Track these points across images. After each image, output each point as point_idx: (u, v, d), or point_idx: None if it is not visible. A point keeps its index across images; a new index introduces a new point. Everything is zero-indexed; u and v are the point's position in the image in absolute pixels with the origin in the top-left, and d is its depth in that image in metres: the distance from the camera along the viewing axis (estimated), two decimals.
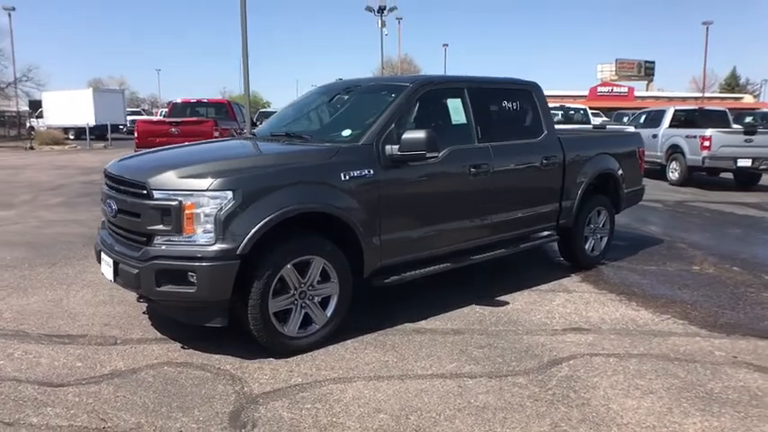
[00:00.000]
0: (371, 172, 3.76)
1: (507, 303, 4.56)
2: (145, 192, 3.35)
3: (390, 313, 4.25)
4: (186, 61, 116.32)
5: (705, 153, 11.60)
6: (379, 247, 3.85)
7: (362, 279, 3.88)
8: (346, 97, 4.75)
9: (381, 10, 31.91)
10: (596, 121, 23.72)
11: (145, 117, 21.93)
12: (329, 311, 3.68)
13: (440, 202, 4.22)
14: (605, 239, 5.84)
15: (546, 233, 5.23)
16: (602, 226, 5.79)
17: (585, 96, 46.58)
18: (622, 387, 3.21)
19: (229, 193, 3.25)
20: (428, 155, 3.83)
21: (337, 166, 3.66)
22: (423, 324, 4.11)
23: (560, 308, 4.51)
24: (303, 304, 3.58)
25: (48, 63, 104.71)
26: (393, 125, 3.93)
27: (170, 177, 3.33)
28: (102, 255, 3.74)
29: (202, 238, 3.24)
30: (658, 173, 13.09)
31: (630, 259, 6.03)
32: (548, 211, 5.13)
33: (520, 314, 4.35)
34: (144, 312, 4.23)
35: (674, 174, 12.50)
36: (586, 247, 5.64)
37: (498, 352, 3.66)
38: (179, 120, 12.62)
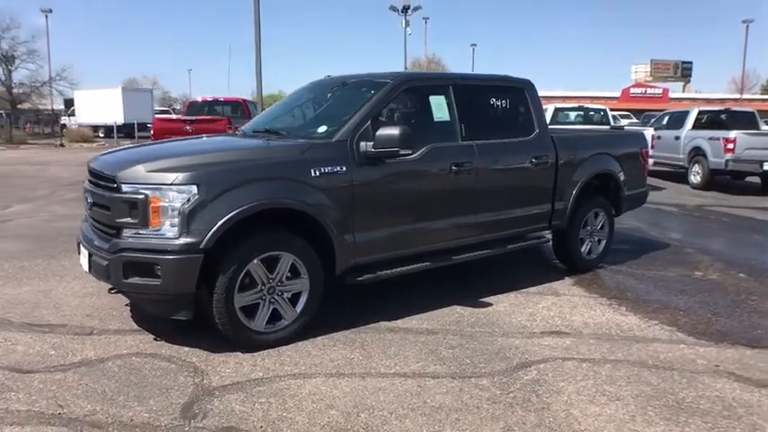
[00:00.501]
0: (344, 169, 3.73)
1: (490, 305, 4.47)
2: (114, 185, 3.40)
3: (366, 311, 4.22)
4: (218, 61, 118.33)
5: (728, 156, 11.20)
6: (353, 245, 3.82)
7: (336, 277, 3.86)
8: (330, 94, 4.74)
9: (405, 9, 31.86)
10: (624, 122, 23.25)
11: (161, 115, 22.34)
12: (299, 308, 3.67)
13: (418, 201, 4.16)
14: (603, 242, 5.67)
15: (536, 235, 5.12)
16: (600, 228, 5.63)
17: (617, 98, 45.58)
18: (588, 393, 3.11)
19: (194, 188, 3.27)
20: (402, 152, 3.79)
21: (308, 162, 3.64)
22: (398, 323, 4.06)
23: (544, 311, 4.40)
24: (272, 300, 3.58)
25: (85, 63, 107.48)
26: (369, 122, 3.90)
27: (138, 171, 3.38)
28: (81, 247, 3.82)
29: (168, 231, 3.28)
30: (680, 176, 12.72)
31: (631, 263, 5.86)
32: (538, 212, 5.00)
33: (500, 316, 4.26)
34: (126, 305, 4.30)
35: (695, 177, 12.09)
36: (582, 249, 5.49)
37: (468, 353, 3.59)
38: (193, 118, 12.84)
